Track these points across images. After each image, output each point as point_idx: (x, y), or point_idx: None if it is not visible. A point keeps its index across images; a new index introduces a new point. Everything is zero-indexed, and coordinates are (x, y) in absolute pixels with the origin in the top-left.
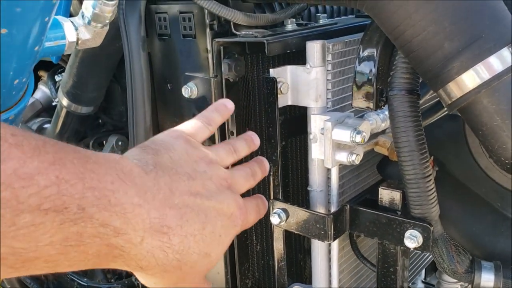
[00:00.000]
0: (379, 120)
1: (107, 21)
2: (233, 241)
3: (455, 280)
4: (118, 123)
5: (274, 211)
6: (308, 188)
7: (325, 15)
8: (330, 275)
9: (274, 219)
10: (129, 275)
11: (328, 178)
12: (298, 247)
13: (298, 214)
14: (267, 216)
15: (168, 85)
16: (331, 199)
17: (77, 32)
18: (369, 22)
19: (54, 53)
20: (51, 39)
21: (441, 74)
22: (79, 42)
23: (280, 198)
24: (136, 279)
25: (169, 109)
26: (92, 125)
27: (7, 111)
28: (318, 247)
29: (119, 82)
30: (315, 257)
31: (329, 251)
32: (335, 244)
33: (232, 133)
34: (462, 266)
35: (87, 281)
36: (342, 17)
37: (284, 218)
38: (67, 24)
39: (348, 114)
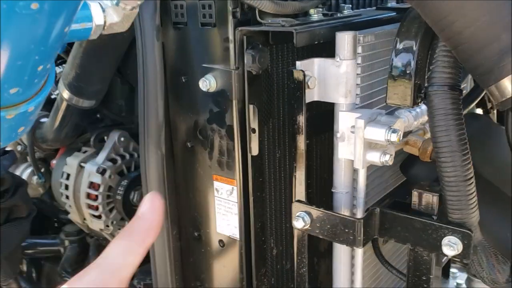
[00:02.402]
0: (411, 117)
1: (139, 1)
2: (249, 245)
3: None
4: (118, 118)
5: (298, 214)
6: (333, 190)
7: (350, 5)
8: (352, 281)
9: (298, 223)
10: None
11: (354, 180)
12: (313, 250)
13: (324, 218)
14: (286, 218)
15: (182, 77)
16: (357, 202)
17: (105, 14)
18: (406, 12)
19: (79, 37)
20: (77, 20)
21: (495, 69)
22: (106, 25)
23: (304, 200)
24: (137, 282)
25: (182, 104)
26: (90, 119)
27: (27, 102)
28: (341, 252)
29: (121, 74)
30: (337, 263)
31: (352, 257)
32: (359, 250)
33: (253, 131)
34: (503, 275)
35: None
36: (363, 9)
37: (308, 222)
38: (94, 5)
39: (379, 111)
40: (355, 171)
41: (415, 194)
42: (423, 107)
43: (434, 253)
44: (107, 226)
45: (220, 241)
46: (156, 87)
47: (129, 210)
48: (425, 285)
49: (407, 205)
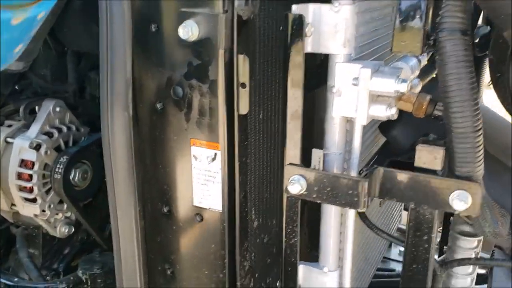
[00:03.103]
0: (408, 69)
1: None
2: (233, 218)
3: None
4: (49, 86)
5: (292, 178)
6: (324, 152)
7: None
8: (341, 249)
9: (293, 188)
10: (70, 270)
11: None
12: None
13: (323, 180)
14: (267, 186)
15: (152, 26)
16: (351, 163)
17: None
18: None
19: None
20: None
21: None
22: None
23: (299, 163)
24: (83, 273)
25: (151, 58)
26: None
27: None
28: (330, 219)
29: (54, 33)
30: (326, 231)
31: (340, 224)
32: (351, 213)
33: (243, 85)
34: (505, 228)
35: (18, 281)
36: None
37: (304, 186)
38: None
39: (380, 63)
40: (347, 131)
41: (419, 149)
42: (415, 60)
43: (437, 211)
44: (43, 211)
45: (197, 215)
46: (124, 36)
47: (69, 192)
48: (426, 245)
49: (405, 164)
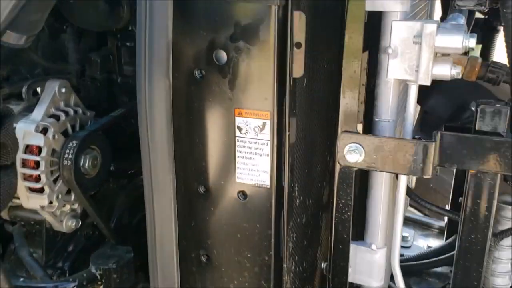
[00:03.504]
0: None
1: None
2: (281, 195)
3: None
4: (52, 65)
5: (349, 147)
6: (376, 119)
7: None
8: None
9: (351, 157)
10: (76, 269)
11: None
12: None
13: (384, 147)
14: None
15: None
16: (405, 130)
17: None
18: None
19: None
20: None
21: None
22: None
23: (356, 130)
24: (96, 268)
25: (190, 20)
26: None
27: None
28: (380, 192)
29: None
30: (374, 205)
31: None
32: (403, 186)
33: (298, 45)
34: None
35: (24, 281)
36: None
37: (362, 154)
38: None
39: (437, 21)
40: (400, 96)
41: (482, 110)
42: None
43: (499, 176)
44: (51, 202)
45: (241, 192)
46: None
47: (79, 180)
48: (487, 213)
49: (459, 129)
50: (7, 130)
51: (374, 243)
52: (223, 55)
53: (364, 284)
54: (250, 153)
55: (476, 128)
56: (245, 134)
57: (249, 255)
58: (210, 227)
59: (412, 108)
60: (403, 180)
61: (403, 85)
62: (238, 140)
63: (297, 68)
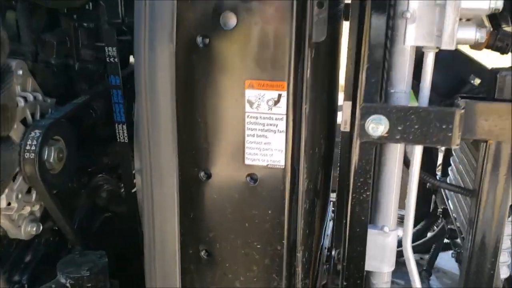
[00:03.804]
0: None
1: None
2: (296, 176)
3: None
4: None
5: (372, 118)
6: (390, 90)
7: None
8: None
9: (374, 130)
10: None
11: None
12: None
13: (411, 117)
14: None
15: None
16: (421, 102)
17: None
18: None
19: None
20: None
21: None
22: None
23: (378, 100)
24: (66, 278)
25: None
26: None
27: None
28: (393, 171)
29: None
30: (387, 185)
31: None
32: (416, 162)
33: (320, 4)
34: None
35: None
36: None
37: (387, 126)
38: None
39: None
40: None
41: (503, 78)
42: None
43: None
44: (9, 204)
45: (250, 176)
46: None
47: (44, 176)
48: (505, 185)
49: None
50: (9, 90)
51: (387, 225)
52: (232, 18)
53: (375, 270)
54: (262, 131)
55: (496, 97)
56: (257, 109)
57: (258, 246)
58: (213, 218)
59: (429, 77)
60: (418, 153)
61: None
62: (248, 116)
63: (319, 31)
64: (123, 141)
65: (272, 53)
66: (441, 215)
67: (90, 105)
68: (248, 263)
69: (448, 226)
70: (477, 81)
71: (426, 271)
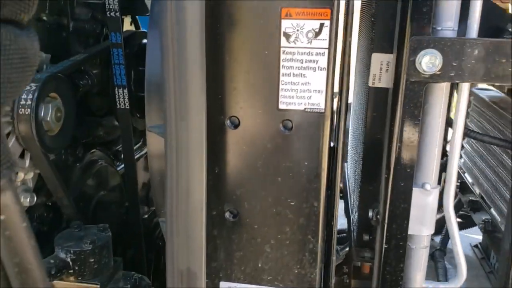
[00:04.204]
0: None
1: None
2: (336, 121)
3: None
4: None
5: (423, 53)
6: (437, 28)
7: None
8: None
9: (428, 66)
10: None
11: None
12: None
13: (472, 51)
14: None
15: None
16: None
17: None
18: None
19: None
20: None
21: None
22: None
23: (429, 33)
24: (66, 252)
25: None
26: None
27: None
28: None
29: None
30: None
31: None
32: (462, 108)
33: None
34: None
35: None
36: None
37: (440, 62)
38: None
39: None
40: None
41: None
42: None
43: None
44: None
45: (284, 122)
46: None
47: (41, 137)
48: None
49: None
50: None
51: (428, 182)
52: None
53: (414, 233)
54: (299, 68)
55: None
56: (294, 43)
57: (292, 203)
58: (240, 173)
59: (478, 12)
60: (465, 92)
61: None
62: (283, 52)
63: None
64: (123, 107)
65: None
66: (457, 190)
67: (85, 70)
68: (280, 223)
69: (470, 198)
70: None
71: (441, 250)
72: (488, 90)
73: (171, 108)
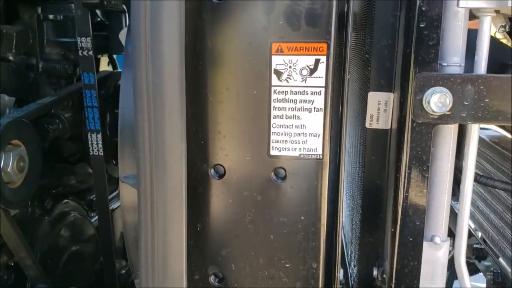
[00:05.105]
0: None
1: None
2: (337, 167)
3: None
4: None
5: (431, 92)
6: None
7: None
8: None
9: (435, 105)
10: None
11: None
12: None
13: (479, 89)
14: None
15: None
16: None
17: None
18: None
19: None
20: None
21: None
22: None
23: (436, 71)
24: None
25: None
26: None
27: None
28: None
29: None
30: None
31: None
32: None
33: None
34: None
35: None
36: None
37: (450, 101)
38: None
39: None
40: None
41: None
42: None
43: None
44: None
45: (278, 170)
46: None
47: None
48: None
49: None
50: None
51: (438, 234)
52: None
53: None
54: (293, 110)
55: None
56: (287, 81)
57: (287, 265)
58: (227, 230)
59: (486, 47)
60: (475, 135)
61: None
62: (275, 92)
63: None
64: (97, 153)
65: (308, 4)
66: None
67: (56, 113)
68: None
69: (474, 246)
70: None
71: None
72: (486, 130)
73: (145, 155)
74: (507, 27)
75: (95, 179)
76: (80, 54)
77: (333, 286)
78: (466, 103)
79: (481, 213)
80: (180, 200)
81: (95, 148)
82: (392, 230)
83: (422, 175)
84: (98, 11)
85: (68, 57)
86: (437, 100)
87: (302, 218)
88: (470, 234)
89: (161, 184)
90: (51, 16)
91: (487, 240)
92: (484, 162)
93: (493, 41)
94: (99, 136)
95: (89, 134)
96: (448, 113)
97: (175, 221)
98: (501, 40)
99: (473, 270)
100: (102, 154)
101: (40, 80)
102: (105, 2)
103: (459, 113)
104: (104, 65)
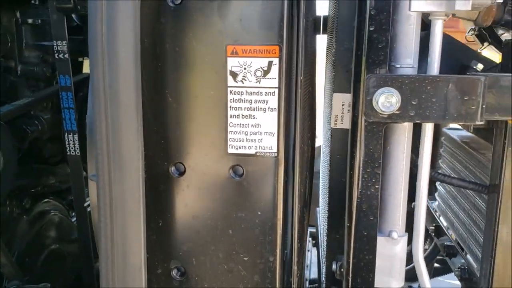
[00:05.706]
0: None
1: None
2: (292, 165)
3: None
4: None
5: (380, 92)
6: (396, 65)
7: None
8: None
9: (386, 106)
10: None
11: None
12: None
13: (427, 89)
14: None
15: None
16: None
17: None
18: None
19: None
20: None
21: None
22: None
23: (386, 72)
24: None
25: None
26: None
27: None
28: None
29: None
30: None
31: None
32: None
33: None
34: None
35: None
36: None
37: (398, 101)
38: None
39: None
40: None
41: None
42: None
43: None
44: None
45: (235, 168)
46: None
47: None
48: None
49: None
50: None
51: (395, 229)
52: None
53: (382, 286)
54: (249, 109)
55: None
56: (242, 82)
57: (245, 259)
58: (187, 226)
59: (438, 49)
60: (429, 134)
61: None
62: (231, 92)
63: None
64: (73, 153)
65: (261, 9)
66: (432, 234)
67: (35, 115)
68: (233, 281)
69: (445, 243)
70: (479, 66)
71: None
72: (459, 130)
73: (103, 153)
74: (476, 30)
75: (73, 178)
76: (56, 57)
77: (290, 279)
78: (414, 103)
79: (452, 211)
80: (138, 196)
81: (72, 148)
82: (348, 225)
83: (374, 172)
84: (73, 16)
85: (47, 60)
86: (385, 100)
87: (259, 213)
88: (443, 232)
89: (119, 180)
90: (29, 20)
91: (457, 238)
92: (455, 162)
93: (456, 43)
94: (76, 136)
95: (66, 135)
96: (397, 112)
97: (133, 217)
98: (471, 42)
99: (448, 268)
100: (79, 154)
101: (18, 82)
102: (79, 7)
103: (408, 112)
104: (87, 68)
